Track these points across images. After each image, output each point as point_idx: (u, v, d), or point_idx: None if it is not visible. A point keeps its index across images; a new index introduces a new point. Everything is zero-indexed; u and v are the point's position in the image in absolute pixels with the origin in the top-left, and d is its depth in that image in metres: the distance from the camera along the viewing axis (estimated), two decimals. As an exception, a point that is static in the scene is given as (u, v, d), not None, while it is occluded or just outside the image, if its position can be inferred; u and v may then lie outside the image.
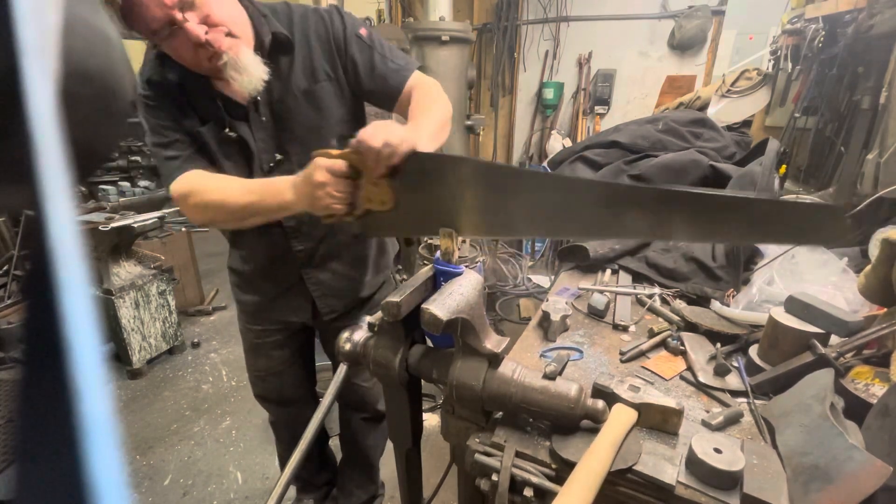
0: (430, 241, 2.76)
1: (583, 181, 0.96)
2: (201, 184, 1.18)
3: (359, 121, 1.38)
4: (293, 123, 1.25)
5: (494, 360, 0.86)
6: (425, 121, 1.12)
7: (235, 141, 1.24)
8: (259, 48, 1.15)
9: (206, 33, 1.03)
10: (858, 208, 1.36)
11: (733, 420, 0.96)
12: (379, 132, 0.90)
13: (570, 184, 0.91)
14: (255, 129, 1.23)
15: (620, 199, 0.85)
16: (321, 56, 1.24)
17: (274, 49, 1.18)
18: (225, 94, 1.19)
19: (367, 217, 1.02)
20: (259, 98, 1.20)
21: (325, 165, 0.96)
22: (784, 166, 1.88)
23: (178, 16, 0.99)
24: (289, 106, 1.23)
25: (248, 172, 1.27)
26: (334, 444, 2.07)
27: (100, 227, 2.69)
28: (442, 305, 0.80)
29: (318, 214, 1.03)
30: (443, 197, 0.96)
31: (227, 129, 1.21)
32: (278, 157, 1.27)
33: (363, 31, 1.26)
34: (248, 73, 1.10)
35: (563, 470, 0.82)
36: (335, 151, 0.97)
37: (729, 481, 0.78)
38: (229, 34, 1.07)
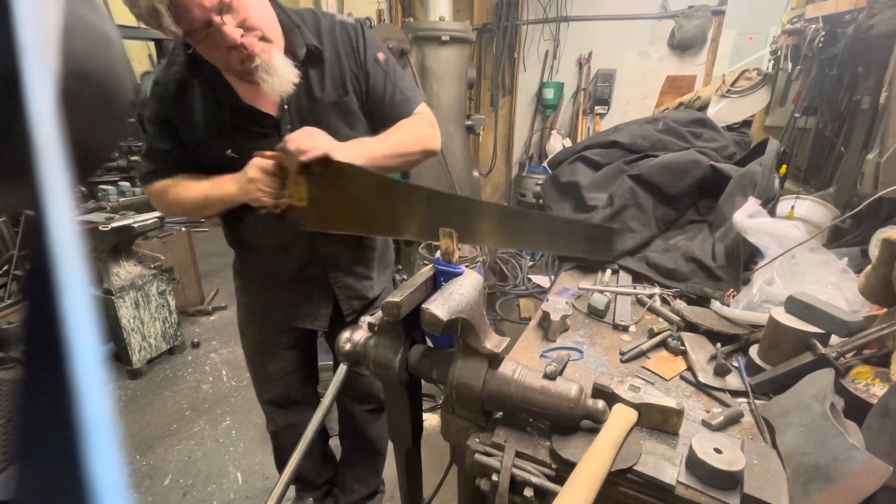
0: (429, 241, 2.76)
1: (424, 190, 1.21)
2: (167, 183, 1.31)
3: (378, 131, 1.40)
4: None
5: (494, 360, 0.86)
6: (374, 141, 1.27)
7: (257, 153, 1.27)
8: (290, 54, 1.18)
9: (242, 36, 1.06)
10: (858, 208, 1.36)
11: (733, 420, 0.96)
12: (299, 137, 1.09)
13: (417, 192, 1.22)
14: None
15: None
16: (349, 69, 1.28)
17: (307, 61, 1.21)
18: (254, 106, 1.22)
19: (291, 210, 1.21)
20: (289, 107, 1.23)
21: (258, 164, 1.14)
22: (784, 166, 1.88)
23: (217, 18, 1.02)
24: (319, 116, 1.26)
25: None
26: (334, 443, 2.07)
27: (100, 227, 2.69)
28: (442, 305, 0.80)
29: (253, 205, 1.19)
30: (346, 199, 1.21)
31: (229, 152, 1.26)
32: None
33: (381, 56, 1.31)
34: (279, 75, 1.14)
35: (563, 470, 0.82)
36: (269, 153, 1.14)
37: (729, 481, 0.78)
38: (263, 38, 1.11)
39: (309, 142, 1.10)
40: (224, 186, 1.22)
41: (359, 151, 1.19)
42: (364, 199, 1.23)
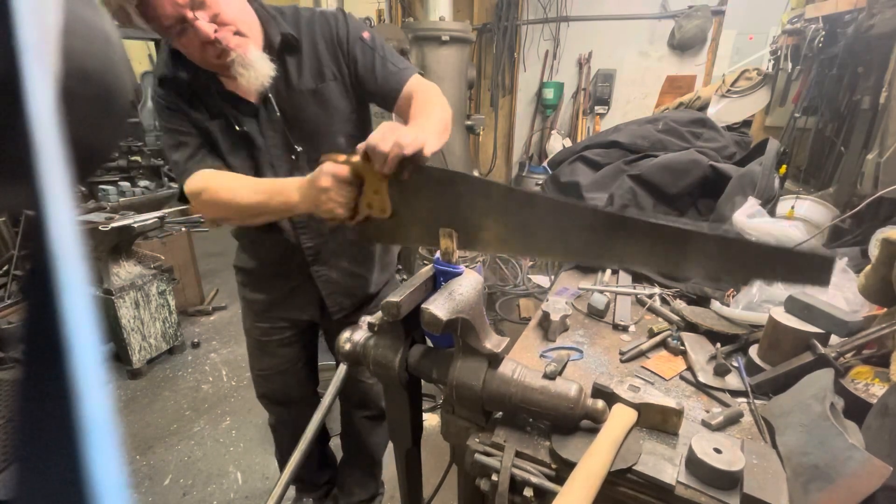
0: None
1: (578, 206, 0.91)
2: (213, 182, 1.20)
3: (364, 119, 1.41)
4: (301, 121, 1.28)
5: (494, 360, 0.86)
6: (428, 122, 1.13)
7: (242, 137, 1.26)
8: (268, 48, 1.18)
9: (216, 31, 1.06)
10: (858, 208, 1.36)
11: (733, 420, 0.96)
12: (388, 135, 0.91)
13: (566, 208, 0.89)
14: (264, 127, 1.27)
15: (615, 226, 0.83)
16: (327, 57, 1.27)
17: (282, 49, 1.21)
18: (235, 92, 1.22)
19: (367, 223, 1.05)
20: (270, 96, 1.23)
21: (330, 171, 0.99)
22: (784, 166, 1.88)
23: (189, 14, 1.03)
24: (297, 104, 1.26)
25: (255, 168, 1.30)
26: (334, 444, 2.07)
27: (100, 227, 2.69)
28: (442, 305, 0.80)
29: (322, 217, 1.05)
30: (440, 210, 0.96)
31: (235, 126, 1.24)
32: (296, 150, 1.30)
33: (366, 35, 1.30)
34: (255, 69, 1.13)
35: (563, 470, 0.82)
36: (341, 157, 1.00)
37: (729, 481, 0.77)
38: (238, 33, 1.11)
39: (402, 136, 0.91)
40: (286, 193, 1.10)
41: (434, 133, 1.07)
42: (460, 208, 0.94)
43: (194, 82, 1.21)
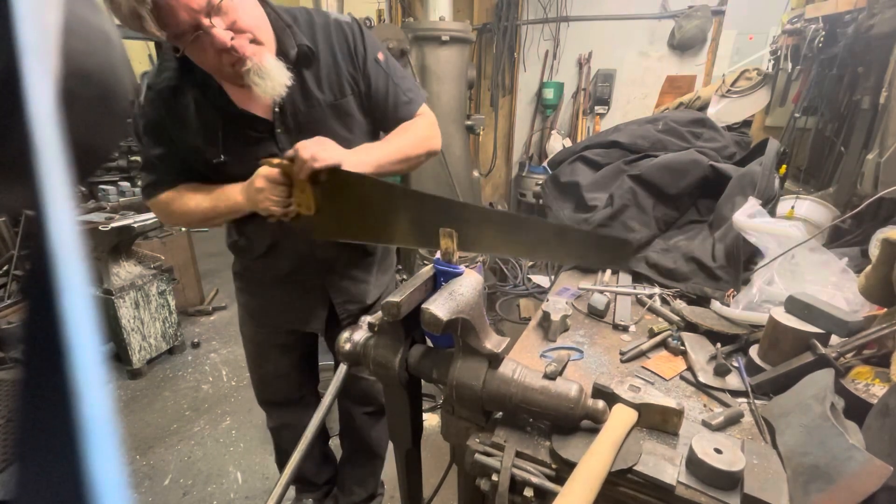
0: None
1: (431, 198, 1.12)
2: (177, 196, 1.29)
3: (378, 133, 1.40)
4: (322, 136, 1.24)
5: (494, 360, 0.86)
6: (380, 147, 1.26)
7: (255, 158, 1.23)
8: (281, 57, 1.15)
9: (232, 39, 1.03)
10: (858, 208, 1.36)
11: (733, 420, 0.96)
12: (311, 146, 1.07)
13: (425, 200, 1.11)
14: (282, 143, 1.23)
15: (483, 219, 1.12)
16: (346, 70, 1.25)
17: (299, 61, 1.18)
18: (248, 111, 1.19)
19: (299, 220, 1.19)
20: (284, 110, 1.20)
21: (264, 173, 1.13)
22: (784, 166, 1.88)
23: (206, 21, 0.99)
24: (315, 118, 1.24)
25: None
26: (334, 443, 2.07)
27: (100, 227, 2.69)
28: (442, 305, 0.80)
29: (262, 214, 1.18)
30: (353, 208, 1.18)
31: (220, 158, 1.23)
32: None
33: (381, 56, 1.29)
34: (272, 78, 1.11)
35: (563, 470, 0.82)
36: (275, 161, 1.13)
37: (729, 481, 0.77)
38: (254, 41, 1.08)
39: (321, 151, 1.08)
40: (231, 196, 1.21)
41: (367, 159, 1.18)
42: (371, 207, 1.19)
43: (203, 101, 1.18)
